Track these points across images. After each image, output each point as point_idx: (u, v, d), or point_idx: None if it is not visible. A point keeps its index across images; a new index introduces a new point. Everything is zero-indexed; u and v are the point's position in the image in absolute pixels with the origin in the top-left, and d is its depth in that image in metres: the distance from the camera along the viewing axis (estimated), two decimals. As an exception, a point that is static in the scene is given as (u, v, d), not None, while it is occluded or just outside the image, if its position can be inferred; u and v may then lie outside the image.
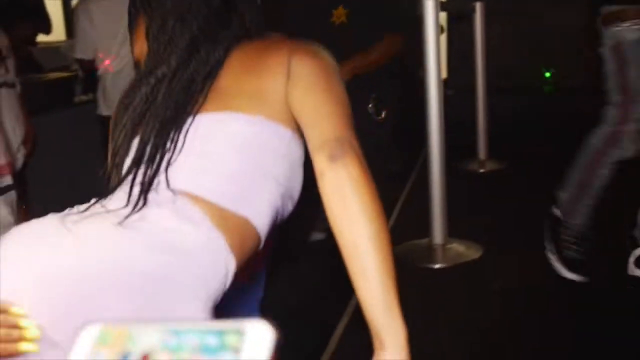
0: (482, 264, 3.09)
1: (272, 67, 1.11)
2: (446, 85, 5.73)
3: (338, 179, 1.00)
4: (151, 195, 1.04)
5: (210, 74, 1.12)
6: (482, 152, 4.66)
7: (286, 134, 1.10)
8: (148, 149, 1.09)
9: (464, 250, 3.18)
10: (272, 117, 1.09)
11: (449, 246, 3.20)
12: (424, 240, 3.24)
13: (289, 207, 1.15)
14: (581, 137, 2.70)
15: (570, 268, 2.73)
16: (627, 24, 2.43)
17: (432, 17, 2.98)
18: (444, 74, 5.86)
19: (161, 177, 1.06)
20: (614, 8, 2.46)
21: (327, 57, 1.14)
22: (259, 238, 1.09)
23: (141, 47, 1.20)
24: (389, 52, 2.81)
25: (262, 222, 1.08)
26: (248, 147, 1.08)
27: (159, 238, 0.99)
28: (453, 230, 3.24)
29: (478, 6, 4.44)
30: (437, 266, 3.10)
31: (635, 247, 2.65)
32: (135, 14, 1.24)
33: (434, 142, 3.11)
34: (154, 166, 1.07)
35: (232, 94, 1.11)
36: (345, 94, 1.10)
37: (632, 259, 2.66)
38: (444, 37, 5.68)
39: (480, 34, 4.50)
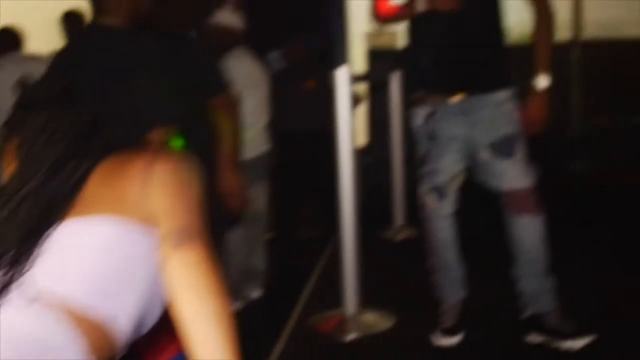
0: (394, 335, 3.07)
1: (134, 173, 1.17)
2: (367, 154, 5.85)
3: (180, 264, 1.07)
4: (7, 299, 1.05)
5: (75, 187, 1.16)
6: (398, 219, 4.69)
7: (146, 238, 1.13)
8: (9, 255, 1.09)
9: (376, 321, 3.15)
10: (132, 221, 1.13)
11: (361, 317, 3.16)
12: (336, 311, 3.20)
13: (154, 311, 1.17)
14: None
15: (446, 334, 2.91)
16: (416, 108, 2.89)
17: (344, 89, 3.03)
18: (365, 142, 6.03)
19: (19, 281, 1.07)
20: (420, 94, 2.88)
21: (187, 164, 1.21)
22: (118, 341, 1.10)
23: (10, 168, 1.23)
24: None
25: (122, 324, 1.10)
26: (108, 250, 1.11)
27: (15, 342, 0.99)
28: (366, 300, 3.22)
29: (394, 76, 4.53)
30: (348, 337, 3.06)
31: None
32: (7, 135, 1.27)
33: (347, 210, 3.12)
34: (12, 272, 1.07)
35: (95, 200, 1.15)
36: (199, 195, 1.18)
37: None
38: (364, 106, 5.79)
39: (396, 103, 4.58)
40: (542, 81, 2.76)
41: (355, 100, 5.27)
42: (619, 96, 6.23)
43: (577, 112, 6.35)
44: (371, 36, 6.46)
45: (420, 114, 2.86)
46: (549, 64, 2.76)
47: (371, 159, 5.60)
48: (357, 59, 6.40)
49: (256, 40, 4.21)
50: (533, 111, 2.78)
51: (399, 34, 6.59)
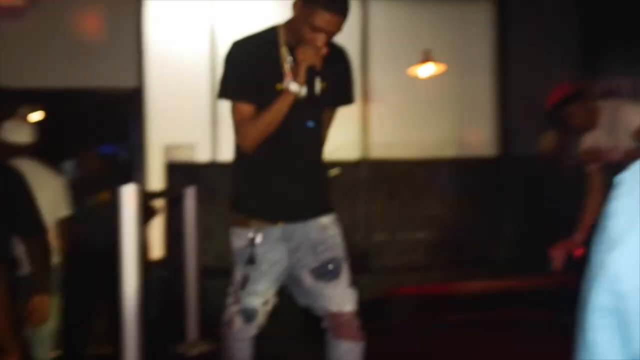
0: None
1: None
2: (163, 266, 5.79)
3: None
4: None
5: None
6: (191, 334, 4.64)
7: None
8: None
9: None
10: None
11: None
12: None
13: None
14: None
15: None
16: (237, 229, 2.81)
17: (130, 206, 3.03)
18: (161, 255, 5.98)
19: None
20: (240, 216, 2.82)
21: None
22: None
23: None
24: None
25: None
26: None
27: None
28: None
29: (188, 191, 4.59)
30: None
31: None
32: None
33: (129, 325, 3.06)
34: None
35: None
36: None
37: None
38: (161, 218, 5.77)
39: (191, 216, 4.62)
40: None
41: (152, 213, 5.25)
42: (402, 212, 6.69)
43: (365, 227, 6.71)
44: (170, 149, 6.52)
45: (241, 236, 2.79)
46: None
47: (168, 272, 5.54)
48: (155, 171, 6.42)
49: (52, 150, 4.13)
50: None
51: (198, 147, 6.72)
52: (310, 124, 2.77)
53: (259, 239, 2.74)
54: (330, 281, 2.74)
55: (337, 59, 2.77)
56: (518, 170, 6.66)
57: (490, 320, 5.10)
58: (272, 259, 2.76)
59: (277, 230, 2.75)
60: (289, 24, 2.69)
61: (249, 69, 2.65)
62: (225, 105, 7.38)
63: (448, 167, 6.96)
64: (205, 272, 4.79)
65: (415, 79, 6.49)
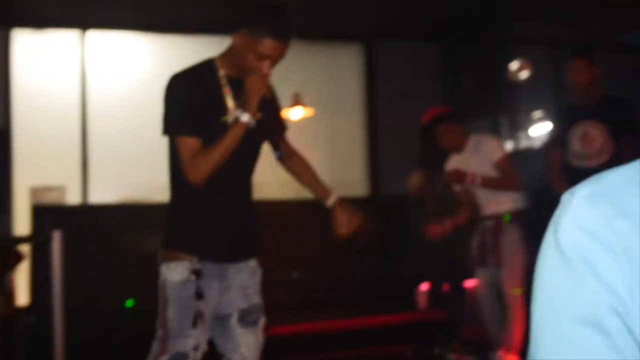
0: None
1: None
2: (29, 313, 5.55)
3: None
4: None
5: None
6: (60, 382, 4.46)
7: None
8: None
9: None
10: None
11: None
12: None
13: None
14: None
15: None
16: (173, 263, 2.61)
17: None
18: (27, 301, 5.73)
19: None
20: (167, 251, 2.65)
21: None
22: None
23: None
24: None
25: None
26: None
27: None
28: None
29: (56, 235, 4.46)
30: None
31: None
32: None
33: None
34: None
35: None
36: None
37: None
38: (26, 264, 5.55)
39: (57, 261, 4.48)
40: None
41: (18, 258, 5.06)
42: (276, 251, 6.74)
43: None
44: (37, 191, 6.32)
45: (178, 269, 2.57)
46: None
47: (33, 319, 5.33)
48: (22, 214, 6.18)
49: None
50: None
51: (68, 190, 6.54)
52: (249, 157, 2.71)
53: (203, 271, 2.55)
54: (249, 327, 2.66)
55: None
56: (388, 209, 6.88)
57: (362, 356, 5.21)
58: (209, 296, 2.56)
59: (213, 266, 2.58)
60: (227, 55, 2.67)
61: (192, 103, 2.57)
62: (96, 145, 7.26)
63: (320, 207, 7.07)
64: (73, 316, 4.65)
65: (287, 120, 6.60)
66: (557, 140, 4.40)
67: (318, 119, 6.83)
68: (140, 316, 6.02)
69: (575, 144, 4.24)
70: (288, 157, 2.87)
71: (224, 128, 2.54)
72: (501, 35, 7.17)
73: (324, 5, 6.14)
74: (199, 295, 2.53)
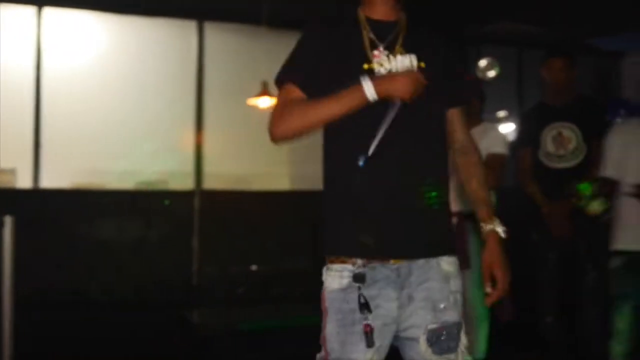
0: None
1: None
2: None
3: None
4: None
5: None
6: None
7: None
8: None
9: None
10: None
11: None
12: None
13: None
14: None
15: None
16: (332, 266, 2.07)
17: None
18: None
19: None
20: None
21: None
22: None
23: None
24: None
25: None
26: None
27: None
28: None
29: (7, 220, 4.24)
30: None
31: None
32: None
33: None
34: None
35: None
36: None
37: None
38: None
39: (9, 248, 4.26)
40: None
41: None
42: (237, 244, 6.60)
43: (198, 259, 6.55)
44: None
45: (340, 274, 2.00)
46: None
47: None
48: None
49: None
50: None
51: (19, 173, 6.28)
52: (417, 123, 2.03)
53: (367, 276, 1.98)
54: (445, 354, 2.00)
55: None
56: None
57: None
58: (383, 307, 1.98)
59: (388, 269, 1.99)
60: None
61: (309, 50, 2.06)
62: (49, 128, 7.01)
63: (283, 199, 6.96)
64: (22, 305, 4.44)
65: (253, 110, 6.46)
66: (527, 139, 4.33)
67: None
68: (94, 305, 5.85)
69: (548, 144, 4.18)
70: (460, 153, 2.18)
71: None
72: (469, 33, 7.13)
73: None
74: (364, 306, 1.95)
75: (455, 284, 2.05)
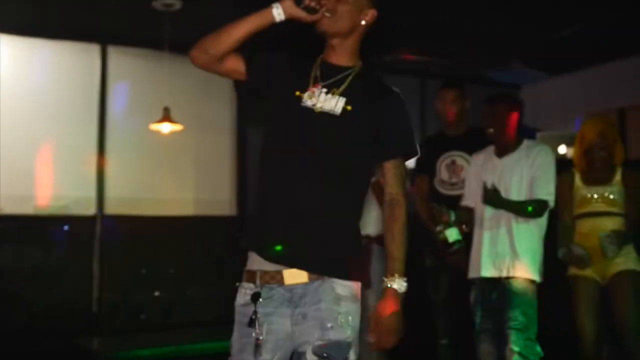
0: None
1: None
2: None
3: None
4: None
5: None
6: None
7: None
8: None
9: None
10: None
11: None
12: None
13: None
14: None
15: None
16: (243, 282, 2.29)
17: None
18: None
19: None
20: None
21: None
22: None
23: None
24: None
25: None
26: None
27: None
28: None
29: None
30: None
31: None
32: None
33: None
34: None
35: None
36: None
37: None
38: None
39: None
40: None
41: None
42: (138, 270, 6.52)
43: (98, 286, 6.43)
44: None
45: (242, 291, 2.24)
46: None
47: None
48: None
49: None
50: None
51: None
52: (323, 151, 2.21)
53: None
54: None
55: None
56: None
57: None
58: (275, 323, 2.17)
59: (283, 290, 2.17)
60: None
61: (273, 59, 2.32)
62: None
63: (186, 224, 6.92)
64: None
65: (156, 134, 6.42)
66: (424, 167, 4.49)
67: (187, 134, 6.66)
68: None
69: (443, 171, 4.35)
70: (387, 205, 2.26)
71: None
72: (371, 62, 7.31)
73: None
74: (252, 322, 2.15)
75: (346, 306, 2.16)
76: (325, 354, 2.11)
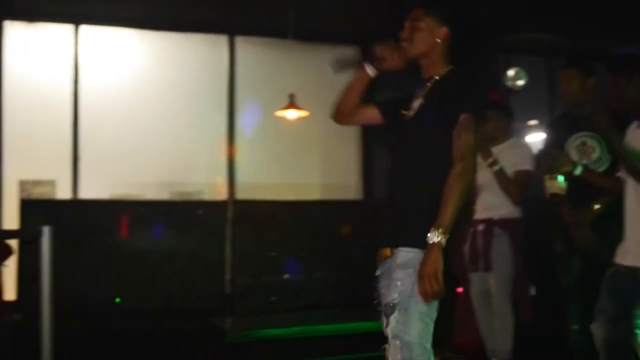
0: None
1: None
2: (15, 309, 5.47)
3: None
4: None
5: None
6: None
7: None
8: None
9: None
10: None
11: None
12: None
13: None
14: None
15: None
16: None
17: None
18: (14, 297, 5.65)
19: None
20: None
21: None
22: None
23: None
24: None
25: None
26: None
27: None
28: None
29: (46, 230, 4.38)
30: None
31: None
32: None
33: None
34: None
35: None
36: None
37: None
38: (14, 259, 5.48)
39: (47, 258, 4.40)
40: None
41: (7, 252, 4.99)
42: (268, 254, 6.69)
43: (231, 268, 6.65)
44: (26, 185, 6.25)
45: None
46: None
47: (20, 315, 5.26)
48: (10, 208, 6.11)
49: None
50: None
51: (58, 184, 6.47)
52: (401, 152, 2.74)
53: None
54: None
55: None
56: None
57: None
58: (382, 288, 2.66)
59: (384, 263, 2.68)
60: None
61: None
62: (88, 141, 7.21)
63: (314, 209, 7.04)
64: (61, 314, 4.57)
65: (283, 121, 6.57)
66: (552, 148, 4.36)
67: (313, 119, 6.77)
68: (129, 315, 5.97)
69: (573, 153, 4.21)
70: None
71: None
72: (496, 42, 7.15)
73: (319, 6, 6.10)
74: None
75: (398, 273, 2.53)
76: (384, 313, 2.57)
